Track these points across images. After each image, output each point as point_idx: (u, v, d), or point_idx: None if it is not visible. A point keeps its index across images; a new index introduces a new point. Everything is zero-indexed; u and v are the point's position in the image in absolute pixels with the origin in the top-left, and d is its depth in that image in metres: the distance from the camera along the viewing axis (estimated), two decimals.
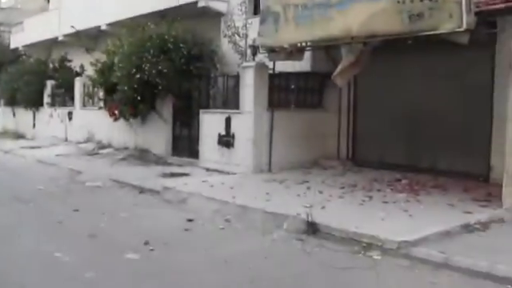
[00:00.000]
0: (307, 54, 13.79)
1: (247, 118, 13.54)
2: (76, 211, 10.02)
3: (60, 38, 26.61)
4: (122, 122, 18.10)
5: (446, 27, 8.95)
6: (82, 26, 23.59)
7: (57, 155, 18.19)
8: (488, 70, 11.79)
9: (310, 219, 8.27)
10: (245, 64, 14.06)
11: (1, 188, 12.66)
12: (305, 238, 8.02)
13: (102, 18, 22.72)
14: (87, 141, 20.99)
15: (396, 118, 13.73)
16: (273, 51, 12.56)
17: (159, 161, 16.38)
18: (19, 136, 26.63)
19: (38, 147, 21.27)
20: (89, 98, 21.57)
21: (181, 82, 15.69)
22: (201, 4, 17.25)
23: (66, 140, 22.87)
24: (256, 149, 13.43)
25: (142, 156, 17.04)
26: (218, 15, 17.22)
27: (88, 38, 23.90)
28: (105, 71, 17.98)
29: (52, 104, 24.67)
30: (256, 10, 15.64)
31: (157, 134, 17.17)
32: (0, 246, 7.73)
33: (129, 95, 16.38)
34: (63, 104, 23.87)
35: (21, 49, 31.30)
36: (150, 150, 17.31)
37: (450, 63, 12.37)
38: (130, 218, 9.64)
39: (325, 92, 15.11)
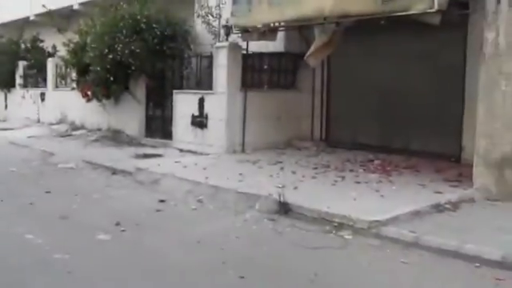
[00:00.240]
0: (281, 35, 13.78)
1: (220, 99, 13.50)
2: (48, 193, 9.95)
3: (32, 18, 26.23)
4: (94, 102, 17.94)
5: (417, 8, 8.97)
6: (53, 5, 23.20)
7: (29, 137, 18.00)
8: (460, 51, 11.84)
9: (282, 199, 8.28)
10: (218, 44, 13.98)
11: None
12: (277, 218, 8.03)
13: None
14: (60, 122, 20.83)
15: (369, 99, 13.76)
16: (246, 31, 12.53)
17: (132, 142, 16.31)
18: None
19: (10, 129, 21.02)
20: (61, 78, 21.37)
21: (154, 63, 15.57)
22: None
23: (39, 121, 22.65)
24: (229, 129, 13.41)
25: (115, 137, 16.94)
26: None
27: (60, 18, 23.56)
28: (77, 51, 17.81)
29: (24, 85, 24.38)
30: None
31: (130, 115, 17.06)
32: None
33: (101, 76, 16.22)
34: (35, 85, 23.62)
35: None
36: (124, 131, 17.21)
37: (423, 44, 12.38)
38: (102, 199, 9.59)
39: (298, 72, 15.08)
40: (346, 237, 7.14)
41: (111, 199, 9.60)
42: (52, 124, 20.90)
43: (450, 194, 8.83)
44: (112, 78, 16.24)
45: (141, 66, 15.62)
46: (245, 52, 13.69)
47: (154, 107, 16.66)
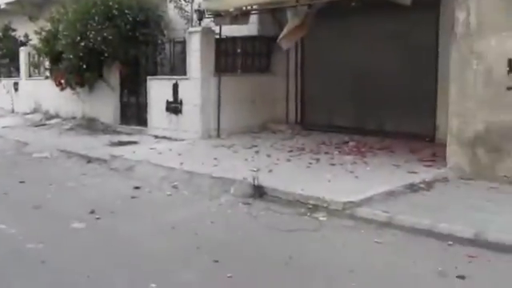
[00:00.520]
0: (254, 18, 13.76)
1: (194, 84, 13.44)
2: (22, 183, 9.86)
3: (2, 7, 25.82)
4: (68, 91, 17.74)
5: None
6: None
7: (3, 127, 17.81)
8: (433, 31, 11.88)
9: (256, 183, 8.28)
10: (191, 29, 13.89)
11: None
12: (252, 201, 8.04)
13: None
14: (34, 111, 20.63)
15: (343, 81, 13.77)
16: (218, 15, 12.49)
17: (107, 129, 16.21)
18: None
19: None
20: (34, 67, 21.15)
21: (127, 49, 15.43)
22: None
23: (13, 111, 22.41)
24: (204, 115, 13.37)
25: (89, 125, 16.84)
26: None
27: (32, 6, 23.32)
28: (49, 40, 17.60)
29: None
30: None
31: (104, 103, 16.94)
32: None
33: (74, 63, 16.07)
34: (8, 75, 23.40)
35: None
36: (98, 119, 17.10)
37: (396, 25, 12.40)
38: (76, 187, 9.54)
39: (272, 56, 15.04)
40: (321, 218, 7.16)
41: (86, 187, 9.54)
42: (26, 114, 20.71)
43: (424, 173, 8.88)
44: (85, 66, 16.08)
45: (114, 52, 15.48)
46: (218, 36, 13.62)
47: (129, 94, 16.55)
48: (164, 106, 14.29)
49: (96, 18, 15.27)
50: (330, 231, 6.74)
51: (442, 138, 10.41)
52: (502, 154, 8.43)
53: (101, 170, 11.02)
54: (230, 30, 13.58)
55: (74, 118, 18.13)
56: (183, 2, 15.22)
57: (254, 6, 11.98)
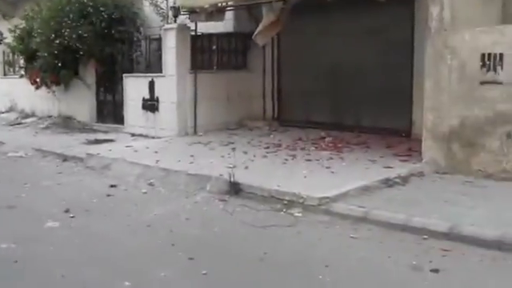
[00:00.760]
0: (230, 15, 13.73)
1: (170, 81, 13.38)
2: None
3: None
4: (44, 89, 17.57)
5: None
6: None
7: None
8: (408, 26, 11.94)
9: (232, 180, 8.26)
10: (166, 26, 13.83)
11: None
12: (228, 198, 8.03)
13: None
14: (10, 110, 20.41)
15: (320, 77, 13.77)
16: (194, 12, 12.43)
17: (84, 128, 16.12)
18: None
19: None
20: (9, 66, 20.93)
21: (102, 47, 15.34)
22: None
23: None
24: (180, 112, 13.31)
25: (65, 124, 16.75)
26: None
27: (6, 4, 23.02)
28: (24, 38, 17.45)
29: None
30: None
31: (80, 101, 16.82)
32: None
33: (49, 62, 15.95)
34: None
35: None
36: (75, 117, 17.00)
37: (372, 20, 12.43)
38: (52, 186, 9.44)
39: (249, 52, 15.03)
40: (296, 214, 7.16)
41: (61, 186, 9.46)
42: (1, 112, 20.47)
43: (400, 168, 8.90)
44: (60, 64, 15.97)
45: (89, 50, 15.38)
46: (194, 33, 13.57)
47: (105, 92, 16.46)
48: (140, 103, 14.22)
49: (71, 16, 15.17)
50: (306, 227, 6.73)
51: (417, 133, 10.45)
52: (477, 148, 8.48)
53: (77, 168, 10.94)
54: (205, 27, 13.53)
55: (49, 116, 17.98)
56: None
57: (229, 3, 11.97)
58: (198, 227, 6.90)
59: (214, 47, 14.58)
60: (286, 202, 7.51)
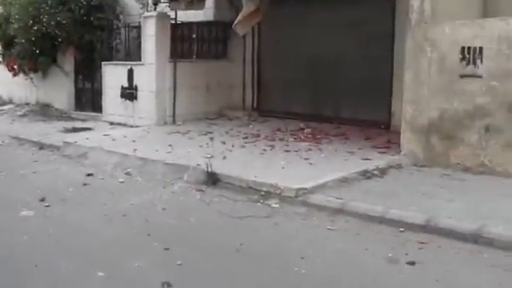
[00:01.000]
0: (210, 3, 13.64)
1: (149, 70, 13.27)
2: None
3: None
4: (22, 76, 17.32)
5: None
6: None
7: None
8: (389, 18, 11.93)
9: (210, 170, 8.20)
10: (146, 14, 13.70)
11: None
12: (205, 188, 7.97)
13: None
14: None
15: (300, 68, 13.74)
16: (174, 0, 12.33)
17: (62, 116, 15.95)
18: None
19: None
20: None
21: (81, 34, 15.17)
22: None
23: None
24: (159, 101, 13.21)
25: (43, 111, 16.56)
26: None
27: None
28: (1, 24, 17.16)
29: None
30: None
31: (59, 89, 16.62)
32: None
33: (27, 48, 15.76)
34: None
35: None
36: (53, 105, 16.81)
37: (353, 12, 12.41)
38: (28, 175, 9.33)
39: (229, 42, 14.96)
40: (273, 205, 7.12)
41: (37, 175, 9.35)
42: None
43: (378, 160, 8.90)
44: (38, 51, 15.77)
45: (68, 37, 15.21)
46: (174, 22, 13.47)
47: (84, 80, 16.30)
48: (119, 91, 14.09)
49: (49, 2, 14.99)
50: (283, 218, 6.70)
51: (397, 125, 10.43)
52: (456, 141, 8.48)
53: (53, 156, 10.81)
54: (185, 16, 13.46)
55: (27, 104, 17.76)
56: None
57: None
58: (175, 217, 6.85)
59: (194, 36, 14.50)
60: (263, 193, 7.46)
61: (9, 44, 16.88)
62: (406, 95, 9.08)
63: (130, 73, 13.78)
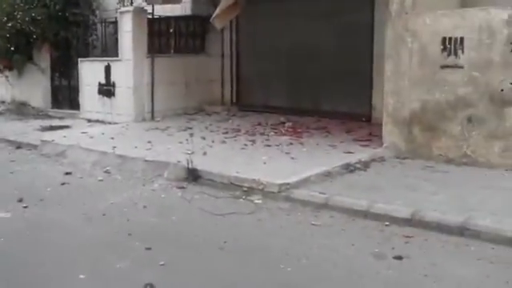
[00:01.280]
0: None
1: (127, 66, 13.11)
2: None
3: None
4: None
5: None
6: None
7: None
8: (368, 9, 11.89)
9: (190, 166, 8.08)
10: (122, 9, 13.55)
11: None
12: (186, 185, 7.86)
13: None
14: None
15: (279, 61, 13.66)
16: None
17: (38, 114, 15.73)
18: None
19: None
20: None
21: (57, 30, 14.98)
22: None
23: None
24: (137, 97, 13.06)
25: (19, 110, 16.33)
26: None
27: None
28: None
29: None
30: None
31: (35, 86, 16.38)
32: None
33: (1, 46, 15.55)
34: None
35: None
36: (29, 103, 16.56)
37: (332, 3, 12.34)
38: (4, 175, 9.14)
39: (207, 36, 14.83)
40: (256, 201, 7.03)
41: (14, 175, 9.17)
42: None
43: (361, 153, 8.84)
44: (13, 48, 15.56)
45: (43, 34, 15.01)
46: (151, 16, 13.31)
47: (60, 77, 16.08)
48: (96, 88, 13.91)
49: None
50: (266, 214, 6.61)
51: (378, 118, 10.39)
52: (438, 132, 8.44)
53: (31, 156, 10.63)
54: (163, 10, 13.33)
55: (2, 102, 17.52)
56: None
57: None
58: (156, 216, 6.73)
59: (172, 31, 14.37)
60: (245, 189, 7.37)
61: None
62: (387, 87, 9.02)
63: (108, 69, 13.61)
